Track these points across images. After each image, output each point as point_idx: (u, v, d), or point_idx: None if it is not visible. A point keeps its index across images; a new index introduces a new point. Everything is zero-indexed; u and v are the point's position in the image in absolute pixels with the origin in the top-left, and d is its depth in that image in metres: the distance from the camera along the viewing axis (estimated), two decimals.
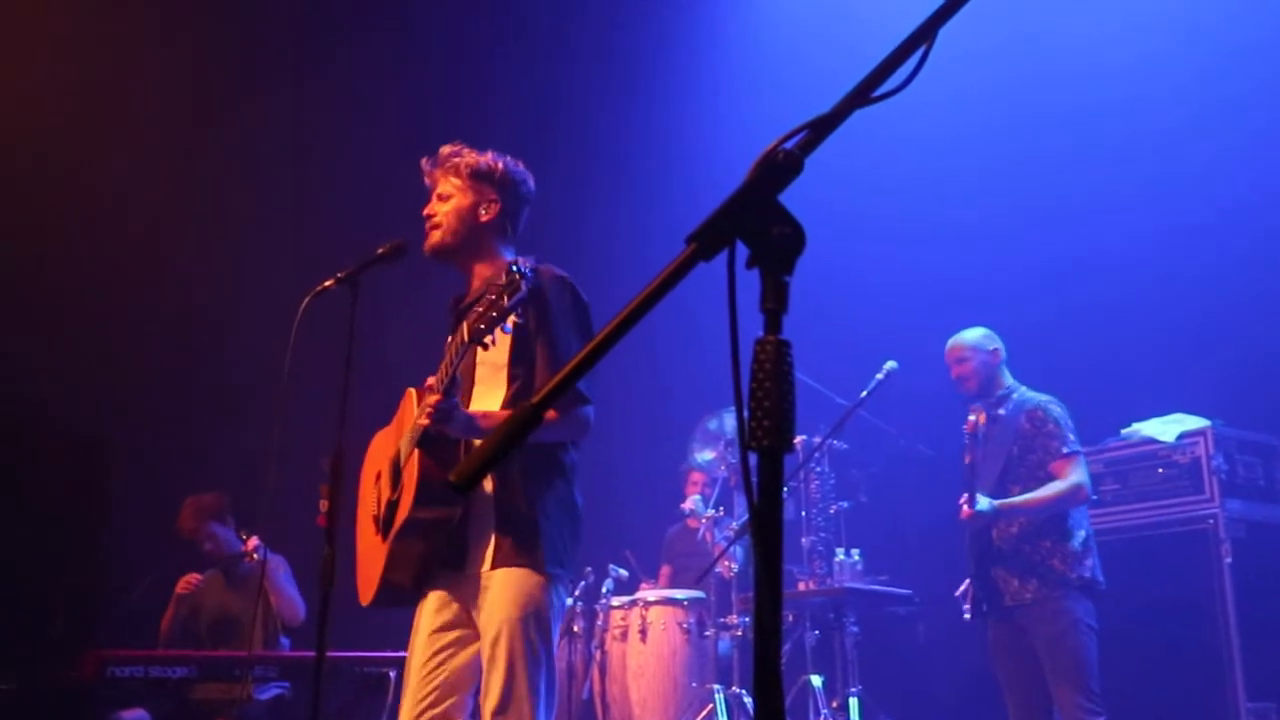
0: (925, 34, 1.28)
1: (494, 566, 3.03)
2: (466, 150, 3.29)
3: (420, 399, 3.12)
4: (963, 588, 4.89)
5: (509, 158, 3.33)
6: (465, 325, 2.86)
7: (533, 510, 3.06)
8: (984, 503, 4.70)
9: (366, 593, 3.23)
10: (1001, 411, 4.91)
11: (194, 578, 5.77)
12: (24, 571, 5.79)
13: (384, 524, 3.17)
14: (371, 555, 3.23)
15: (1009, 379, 5.01)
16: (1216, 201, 6.43)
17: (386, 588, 3.14)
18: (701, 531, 6.74)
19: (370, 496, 3.34)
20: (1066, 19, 7.01)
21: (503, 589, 3.01)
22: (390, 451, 3.25)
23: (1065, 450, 4.76)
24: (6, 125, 6.29)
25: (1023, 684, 4.74)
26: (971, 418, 4.81)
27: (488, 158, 3.28)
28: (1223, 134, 6.47)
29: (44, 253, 6.36)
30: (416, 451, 3.01)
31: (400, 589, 3.15)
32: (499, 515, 3.06)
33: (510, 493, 3.07)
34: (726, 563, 5.99)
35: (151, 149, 6.64)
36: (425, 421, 2.92)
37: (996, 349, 5.01)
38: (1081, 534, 4.72)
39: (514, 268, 2.77)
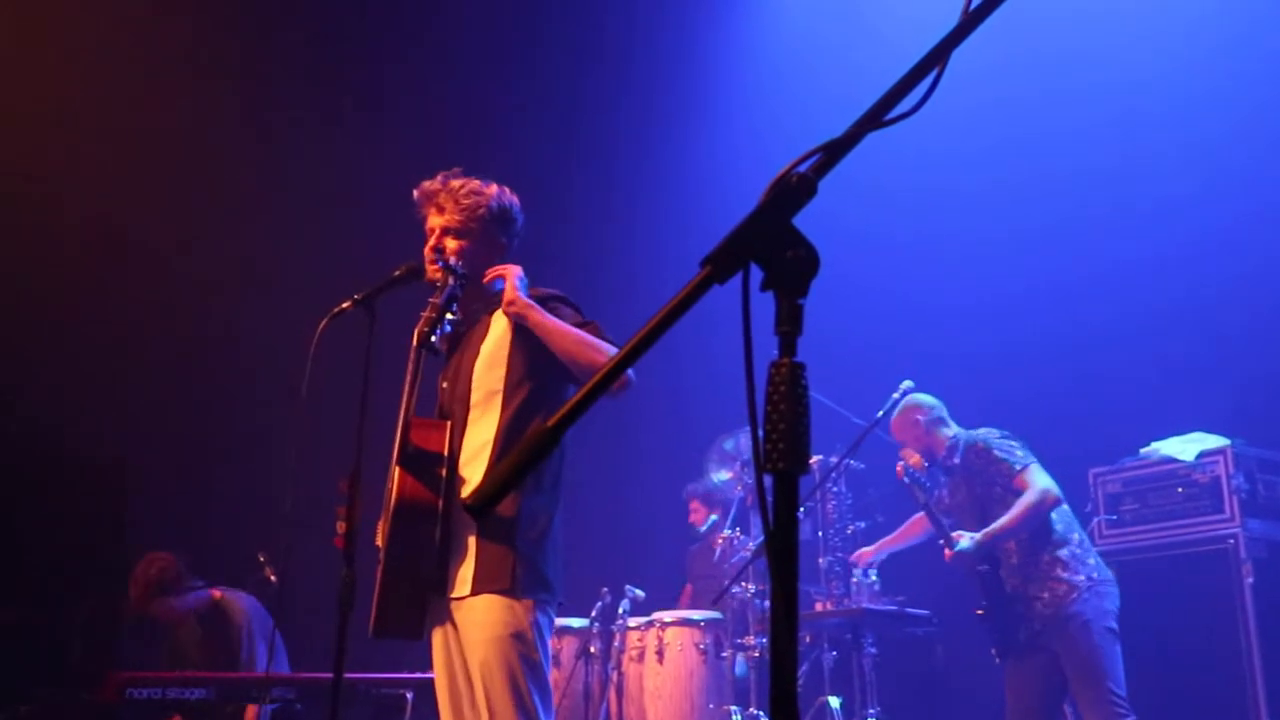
0: (938, 57, 1.29)
1: (474, 592, 3.00)
2: (477, 184, 3.27)
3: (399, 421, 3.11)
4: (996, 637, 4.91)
5: (510, 192, 3.33)
6: (415, 332, 2.97)
7: (511, 533, 3.01)
8: (965, 541, 4.78)
9: (371, 622, 3.22)
10: (956, 460, 5.02)
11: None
12: (44, 596, 5.81)
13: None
14: (378, 581, 3.23)
15: (950, 431, 5.09)
16: (1236, 218, 6.40)
17: (381, 620, 3.09)
18: (720, 550, 6.72)
19: (382, 525, 3.32)
20: (1086, 36, 7.01)
21: (483, 616, 2.98)
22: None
23: (1017, 467, 4.80)
24: (23, 151, 6.34)
25: (1034, 701, 4.74)
26: (900, 463, 4.95)
27: (498, 196, 3.27)
28: (1240, 150, 6.45)
29: (61, 279, 6.40)
30: (397, 470, 3.02)
31: (395, 625, 3.09)
32: (478, 538, 3.03)
33: (490, 516, 3.02)
34: (745, 584, 5.98)
35: (170, 176, 6.69)
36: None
37: (918, 420, 5.10)
38: (1075, 536, 4.74)
39: (444, 264, 2.87)
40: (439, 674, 3.16)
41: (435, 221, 3.26)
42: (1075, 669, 4.59)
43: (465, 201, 3.22)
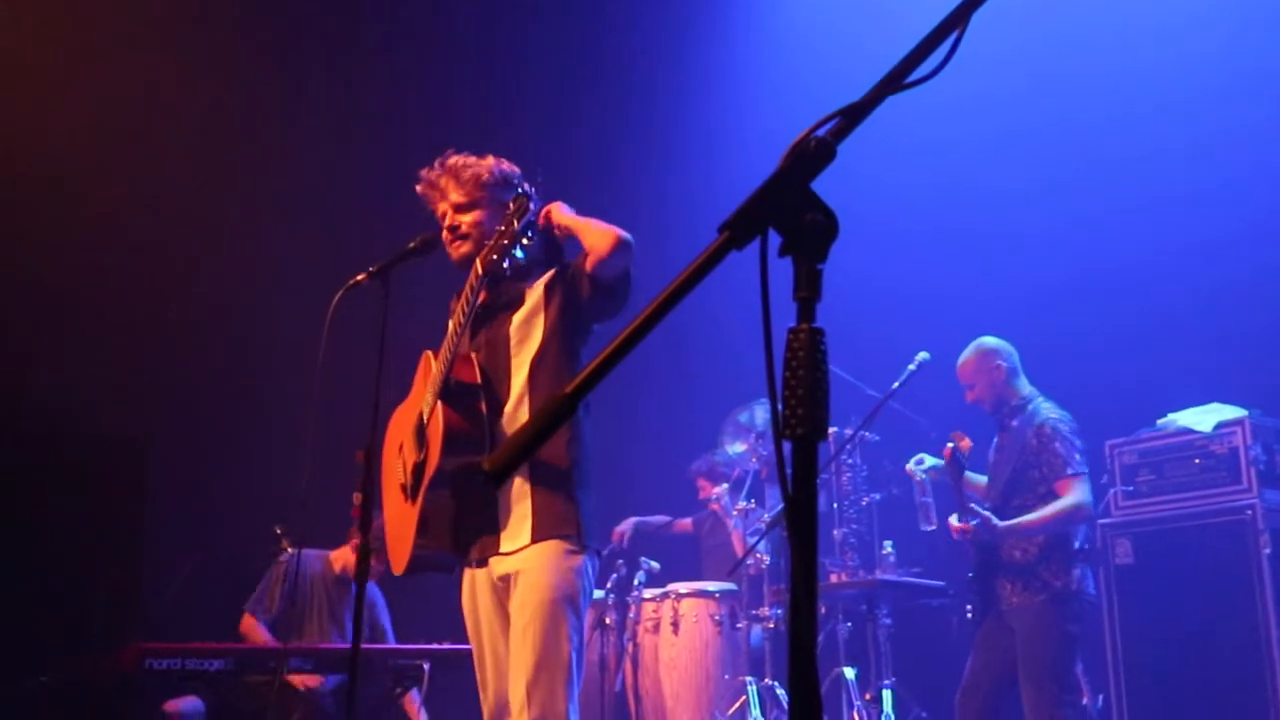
0: (959, 19, 1.27)
1: (533, 540, 3.04)
2: (472, 159, 3.32)
3: (437, 359, 3.16)
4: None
5: (505, 161, 3.37)
6: (477, 261, 2.97)
7: (569, 482, 3.08)
8: (986, 523, 4.69)
9: (399, 561, 3.24)
10: (1015, 423, 4.89)
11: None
12: (65, 568, 5.86)
13: (412, 487, 3.19)
14: (401, 522, 3.25)
15: (1024, 389, 4.95)
16: (1254, 192, 6.36)
17: (420, 550, 3.15)
18: (721, 514, 6.75)
19: (395, 468, 3.36)
20: (1104, 18, 6.93)
21: (541, 568, 3.02)
22: (411, 420, 3.27)
23: (1070, 471, 4.70)
24: (39, 128, 6.35)
25: (988, 676, 4.77)
26: (950, 445, 4.81)
27: (498, 165, 3.32)
28: (1258, 129, 6.39)
29: (79, 255, 6.41)
30: (439, 405, 3.04)
31: (434, 550, 3.17)
32: (535, 482, 3.08)
33: (546, 460, 3.07)
34: (758, 555, 6.00)
35: (184, 151, 6.69)
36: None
37: (999, 365, 4.93)
38: (1075, 544, 4.71)
39: (520, 189, 2.85)
40: (474, 638, 3.19)
41: (444, 205, 3.32)
42: (1024, 660, 4.62)
43: (465, 175, 3.29)
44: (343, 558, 5.71)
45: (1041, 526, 4.69)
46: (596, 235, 3.07)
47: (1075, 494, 4.68)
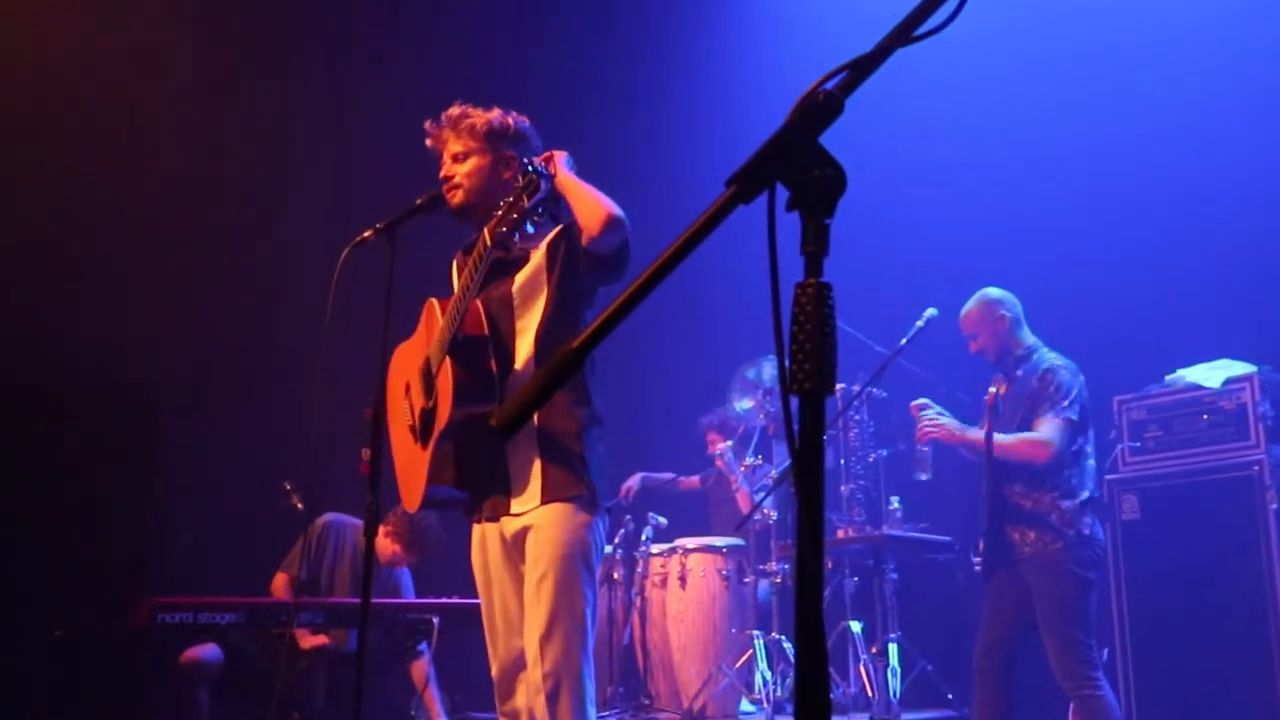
0: None
1: (543, 501, 3.05)
2: (474, 110, 3.30)
3: (442, 310, 3.16)
4: (980, 546, 4.91)
5: (516, 114, 3.35)
6: (485, 231, 2.93)
7: (577, 443, 3.08)
8: (952, 423, 4.81)
9: (412, 499, 3.26)
10: (1019, 373, 4.87)
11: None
12: (79, 524, 5.90)
13: (422, 431, 3.21)
14: (412, 463, 3.26)
15: (1028, 339, 4.92)
16: (1264, 141, 6.30)
17: (433, 489, 3.18)
18: (726, 471, 6.77)
19: (401, 407, 3.37)
20: None
21: (553, 525, 3.03)
22: (417, 362, 3.28)
23: (1053, 412, 4.66)
24: (49, 82, 6.33)
25: (1003, 628, 4.78)
26: (992, 389, 4.80)
27: (497, 115, 3.30)
28: (1270, 70, 6.32)
29: (90, 212, 6.41)
30: (448, 360, 3.05)
31: (447, 489, 3.20)
32: (543, 445, 3.09)
33: (554, 422, 3.08)
34: (765, 511, 6.02)
35: (195, 108, 6.66)
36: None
37: (1003, 315, 4.90)
38: (1085, 494, 4.69)
39: (530, 167, 2.82)
40: (484, 594, 3.22)
41: (445, 156, 3.32)
42: (1045, 613, 4.62)
43: (462, 125, 3.28)
44: (387, 548, 5.58)
45: (1005, 454, 4.69)
46: (589, 213, 3.00)
47: (1048, 431, 4.65)
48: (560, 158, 3.14)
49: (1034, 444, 4.66)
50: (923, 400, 4.97)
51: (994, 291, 4.98)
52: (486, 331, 3.12)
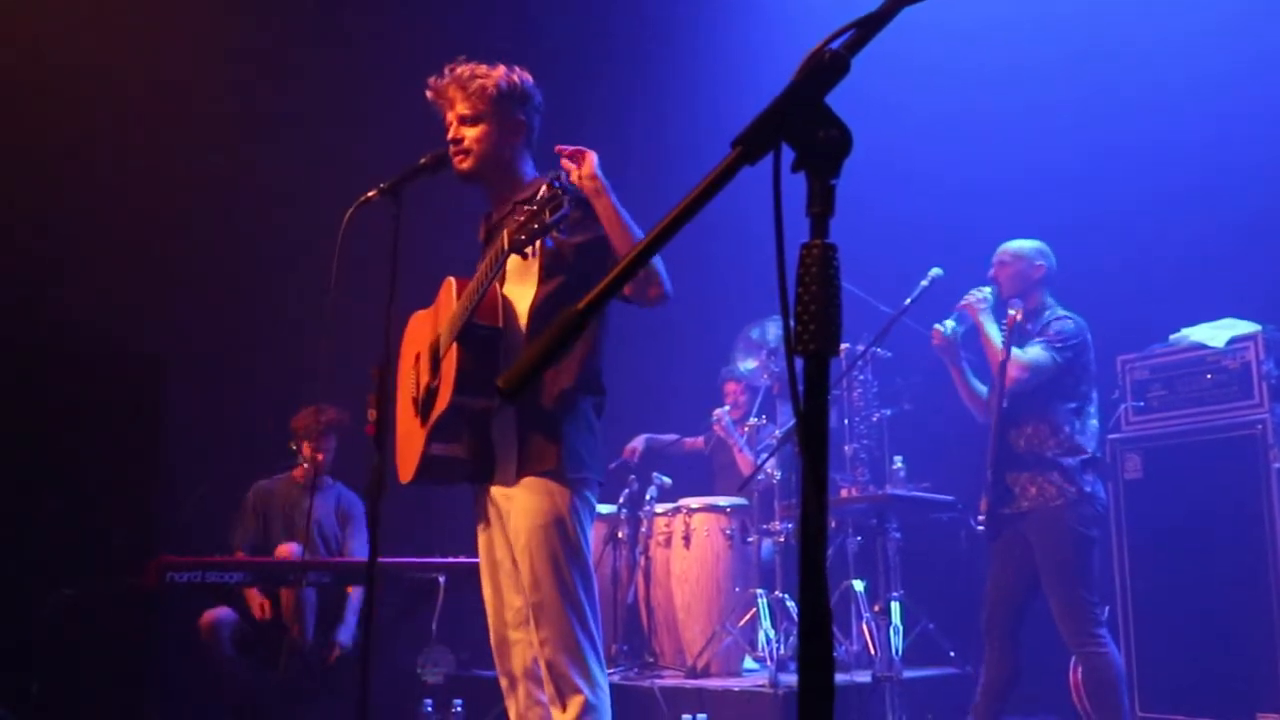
0: None
1: (519, 475, 3.08)
2: (481, 68, 3.23)
3: (461, 297, 3.14)
4: (983, 505, 4.92)
5: (520, 70, 3.28)
6: (505, 233, 2.86)
7: (554, 416, 3.07)
8: (947, 325, 4.84)
9: (406, 472, 3.29)
10: (1029, 326, 4.89)
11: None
12: (88, 485, 5.94)
13: (423, 407, 3.23)
14: (411, 436, 3.29)
15: (1048, 298, 4.93)
16: (1270, 102, 6.25)
17: (426, 466, 3.20)
18: (724, 435, 6.79)
19: (409, 377, 3.39)
20: None
21: (526, 499, 3.06)
22: (429, 336, 3.28)
23: (1045, 345, 4.71)
24: (59, 46, 6.30)
25: (1008, 588, 4.81)
26: (1011, 312, 4.79)
27: (505, 75, 3.23)
28: (1275, 29, 6.27)
29: (96, 172, 6.40)
30: (455, 346, 3.05)
31: (437, 468, 3.22)
32: (520, 418, 3.10)
33: (533, 399, 3.08)
34: (769, 471, 6.04)
35: (201, 71, 6.63)
36: (589, 181, 2.94)
37: (1041, 264, 4.93)
38: (1090, 450, 4.71)
39: (556, 183, 2.76)
40: (483, 559, 3.25)
41: (450, 115, 3.26)
42: (1047, 571, 4.65)
43: (472, 86, 3.20)
44: (311, 461, 5.92)
45: (993, 350, 4.74)
46: (640, 282, 3.00)
47: (1030, 354, 4.70)
48: (591, 162, 3.02)
49: (1015, 363, 4.70)
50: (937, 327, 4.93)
51: (1034, 245, 5.01)
52: (501, 324, 3.10)
